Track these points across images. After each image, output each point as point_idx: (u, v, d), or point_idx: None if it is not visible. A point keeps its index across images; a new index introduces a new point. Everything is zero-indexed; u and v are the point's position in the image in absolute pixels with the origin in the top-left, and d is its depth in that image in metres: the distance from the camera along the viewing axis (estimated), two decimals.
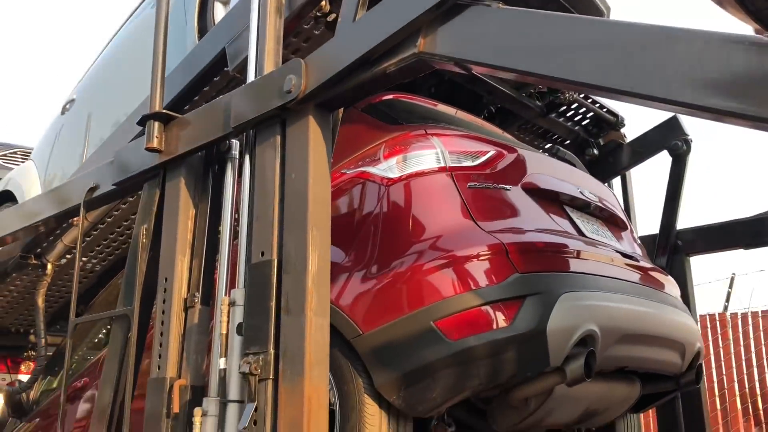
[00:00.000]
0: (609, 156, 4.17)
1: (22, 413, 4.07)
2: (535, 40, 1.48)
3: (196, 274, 2.25)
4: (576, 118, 4.06)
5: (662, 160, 4.15)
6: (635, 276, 2.75)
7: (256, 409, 1.81)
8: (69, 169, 4.32)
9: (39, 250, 3.78)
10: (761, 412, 6.09)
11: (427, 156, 2.46)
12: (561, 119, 3.97)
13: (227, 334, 2.01)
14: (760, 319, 6.35)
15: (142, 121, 2.40)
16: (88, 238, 3.88)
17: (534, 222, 2.52)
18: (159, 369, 2.19)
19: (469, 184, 2.43)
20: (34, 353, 5.38)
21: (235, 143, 2.31)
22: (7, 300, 4.45)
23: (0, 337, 4.95)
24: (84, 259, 4.20)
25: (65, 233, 3.69)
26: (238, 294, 2.06)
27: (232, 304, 2.04)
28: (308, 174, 1.89)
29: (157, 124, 2.37)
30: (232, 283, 2.15)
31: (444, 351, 2.09)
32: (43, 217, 3.10)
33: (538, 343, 2.13)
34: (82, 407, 3.42)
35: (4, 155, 6.79)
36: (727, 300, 6.59)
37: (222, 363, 2.00)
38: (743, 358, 6.31)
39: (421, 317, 2.14)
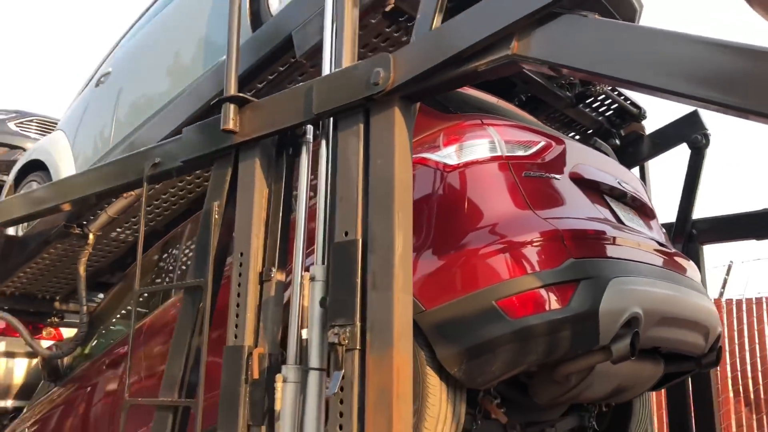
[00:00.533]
0: (629, 146, 4.35)
1: (57, 378, 4.20)
2: (628, 49, 1.63)
3: (271, 250, 2.39)
4: (601, 109, 4.22)
5: (676, 152, 4.35)
6: (666, 262, 2.94)
7: (343, 377, 1.97)
8: (97, 142, 4.41)
9: (83, 220, 3.89)
10: (751, 393, 6.39)
11: (485, 145, 2.61)
12: (587, 110, 4.13)
13: (308, 307, 2.16)
14: (754, 306, 6.63)
15: (219, 103, 2.52)
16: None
17: (582, 210, 2.69)
18: (236, 338, 2.34)
19: (524, 173, 2.59)
20: (57, 320, 5.51)
21: (310, 128, 2.44)
22: (39, 267, 4.54)
23: (26, 302, 5.05)
24: (119, 229, 4.32)
25: (110, 205, 3.79)
26: (318, 270, 2.21)
27: (312, 279, 2.19)
28: (393, 160, 2.04)
29: (233, 106, 2.49)
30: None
31: (505, 328, 2.27)
32: (99, 190, 3.21)
33: (591, 323, 2.31)
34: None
35: (21, 123, 6.83)
36: (723, 287, 6.87)
37: (304, 333, 2.16)
38: (736, 342, 6.60)
39: (484, 297, 2.31)
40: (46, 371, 4.19)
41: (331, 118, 2.28)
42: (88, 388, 3.83)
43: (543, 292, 2.31)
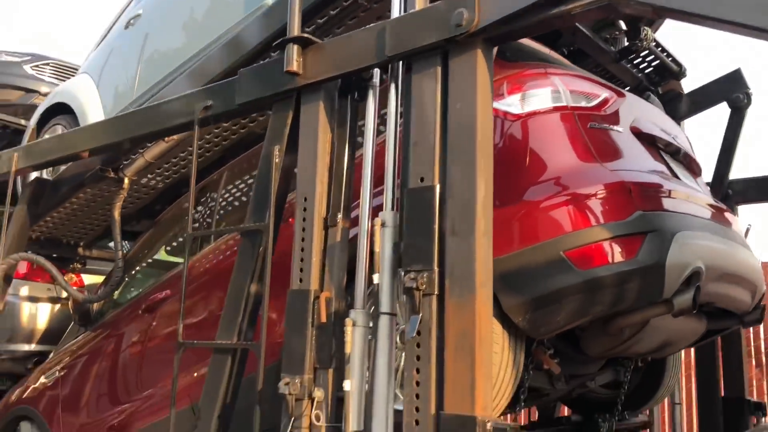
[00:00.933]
0: (668, 104, 4.29)
1: (87, 322, 4.20)
2: None
3: (336, 196, 2.37)
4: (642, 66, 4.16)
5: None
6: (718, 217, 2.93)
7: (420, 322, 1.97)
8: (126, 87, 4.32)
9: (119, 164, 3.84)
10: (763, 356, 6.48)
11: (549, 95, 2.57)
12: (629, 65, 4.07)
13: (379, 253, 2.15)
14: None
15: (281, 44, 2.46)
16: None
17: (644, 164, 2.67)
18: (301, 282, 2.33)
19: (589, 124, 2.56)
20: (79, 266, 5.49)
21: (377, 71, 2.39)
22: (67, 211, 4.51)
23: (50, 247, 5.02)
24: (149, 175, 4.28)
25: (147, 149, 3.74)
26: (389, 216, 2.19)
27: (383, 225, 2.17)
28: (476, 105, 2.00)
29: (296, 47, 2.43)
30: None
31: (573, 279, 2.27)
32: (143, 132, 3.16)
33: (656, 276, 2.31)
34: (169, 320, 3.55)
35: (36, 66, 6.71)
36: None
37: (376, 278, 2.14)
38: None
39: (552, 247, 2.30)
40: (78, 316, 4.19)
41: (403, 61, 2.23)
42: (125, 333, 3.83)
43: (611, 243, 2.30)
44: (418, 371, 1.95)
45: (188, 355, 3.40)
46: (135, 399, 3.70)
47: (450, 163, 2.01)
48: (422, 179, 2.07)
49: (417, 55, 2.16)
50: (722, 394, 3.98)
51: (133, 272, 4.35)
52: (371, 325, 2.20)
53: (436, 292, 1.96)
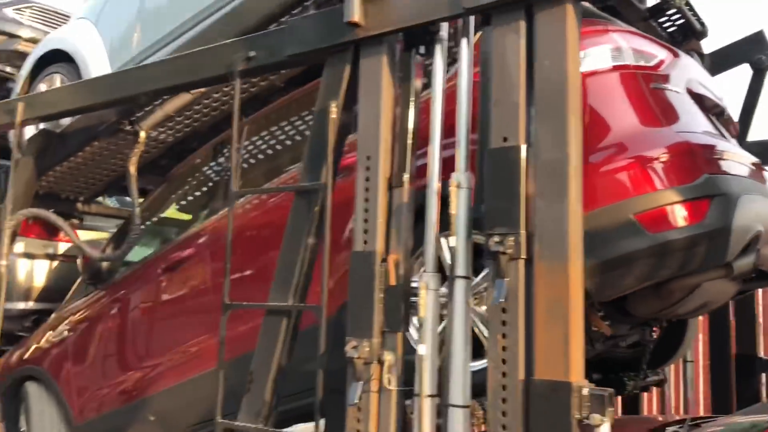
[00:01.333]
0: None
1: (98, 281, 4.07)
2: None
3: (401, 155, 2.28)
4: (666, 25, 4.10)
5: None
6: (762, 179, 2.94)
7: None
8: (137, 35, 4.10)
9: (135, 117, 3.66)
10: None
11: (611, 53, 2.51)
12: (655, 24, 4.00)
13: (454, 215, 2.09)
14: None
15: None
16: None
17: (702, 126, 2.64)
18: (366, 243, 2.26)
19: (651, 84, 2.51)
20: (77, 222, 5.30)
21: (445, 25, 2.29)
22: (71, 165, 4.32)
23: (49, 202, 4.81)
24: (160, 129, 4.10)
25: (168, 102, 3.57)
26: (463, 177, 2.13)
27: (458, 186, 2.11)
28: (566, 62, 1.92)
29: None
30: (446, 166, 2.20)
31: (643, 242, 2.25)
32: (173, 84, 3.01)
33: (722, 239, 2.31)
34: (192, 279, 3.46)
35: (18, 9, 6.36)
36: None
37: (452, 241, 2.09)
38: None
39: (621, 210, 2.27)
40: (88, 274, 4.05)
41: (474, 15, 2.13)
42: (143, 293, 3.72)
43: (680, 207, 2.28)
44: (504, 336, 1.91)
45: (215, 317, 3.33)
46: (155, 360, 3.62)
47: (538, 122, 1.94)
48: (506, 139, 1.99)
49: (498, 8, 2.06)
50: (734, 351, 4.08)
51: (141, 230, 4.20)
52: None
53: (523, 257, 1.91)
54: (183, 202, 4.16)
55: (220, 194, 3.63)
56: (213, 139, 3.89)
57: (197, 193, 4.00)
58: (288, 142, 3.53)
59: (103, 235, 5.27)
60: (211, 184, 3.87)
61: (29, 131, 4.37)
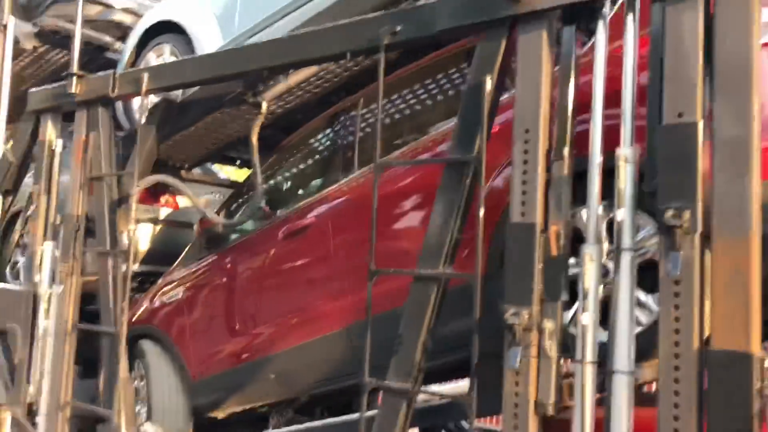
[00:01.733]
0: None
1: (216, 246, 4.24)
2: None
3: (561, 129, 2.33)
4: None
5: None
6: None
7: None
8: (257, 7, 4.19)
9: (260, 88, 3.78)
10: None
11: None
12: None
13: (623, 189, 2.14)
14: None
15: None
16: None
17: None
18: (523, 215, 2.33)
19: None
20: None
21: (608, 1, 2.31)
22: (186, 134, 4.48)
23: (154, 169, 5.00)
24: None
25: (292, 74, 3.67)
26: (629, 151, 2.17)
27: (625, 160, 2.15)
28: (750, 39, 1.94)
29: None
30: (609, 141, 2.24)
31: None
32: (311, 57, 3.10)
33: None
34: (314, 246, 3.58)
35: None
36: None
37: (621, 214, 2.14)
38: None
39: None
40: (206, 238, 4.23)
41: None
42: (263, 258, 3.87)
43: None
44: (677, 307, 1.97)
45: (341, 282, 3.46)
46: (276, 322, 3.78)
47: (719, 100, 1.97)
48: (680, 114, 2.03)
49: None
50: None
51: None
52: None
53: (699, 230, 1.96)
54: (295, 171, 4.28)
55: (339, 163, 3.73)
56: (328, 110, 3.98)
57: (312, 162, 4.11)
58: (407, 112, 3.60)
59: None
60: (326, 153, 3.97)
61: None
